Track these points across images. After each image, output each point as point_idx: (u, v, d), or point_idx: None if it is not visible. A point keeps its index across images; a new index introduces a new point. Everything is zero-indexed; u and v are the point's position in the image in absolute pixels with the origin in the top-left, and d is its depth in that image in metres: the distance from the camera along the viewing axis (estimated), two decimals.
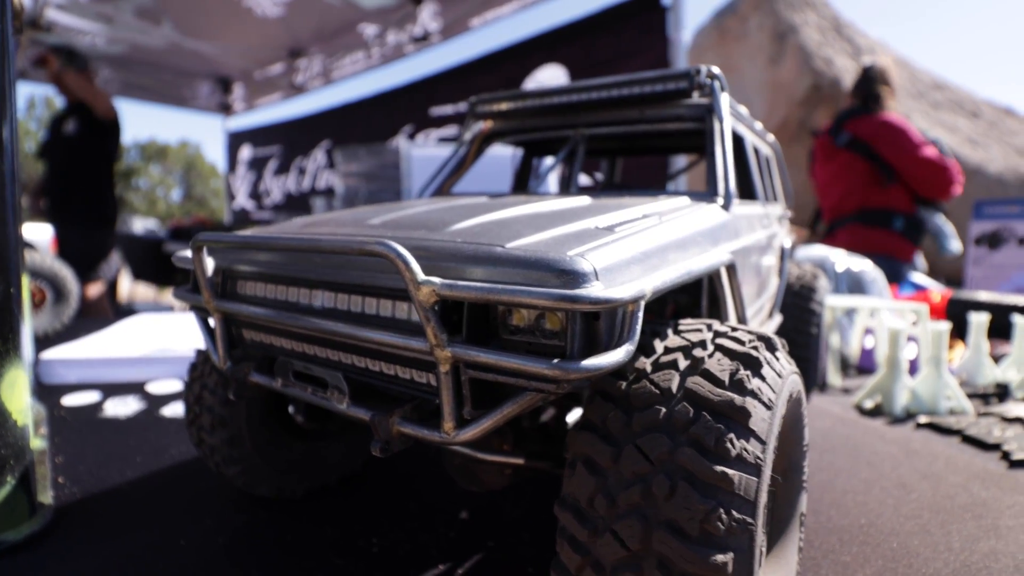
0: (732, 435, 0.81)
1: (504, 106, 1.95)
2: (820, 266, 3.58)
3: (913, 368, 2.95)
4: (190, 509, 1.58)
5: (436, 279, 0.84)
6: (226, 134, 9.22)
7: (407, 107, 7.76)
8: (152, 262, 7.93)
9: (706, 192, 1.51)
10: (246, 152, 8.74)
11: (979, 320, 2.97)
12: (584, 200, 1.43)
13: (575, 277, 0.81)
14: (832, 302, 2.91)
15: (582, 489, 0.86)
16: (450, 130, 7.38)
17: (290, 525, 1.50)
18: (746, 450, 0.81)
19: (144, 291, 9.27)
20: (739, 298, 1.31)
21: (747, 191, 1.93)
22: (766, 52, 8.13)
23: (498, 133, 2.06)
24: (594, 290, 0.79)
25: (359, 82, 8.24)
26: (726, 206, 1.45)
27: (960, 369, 3.01)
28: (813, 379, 2.40)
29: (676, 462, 0.80)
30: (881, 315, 3.06)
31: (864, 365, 3.23)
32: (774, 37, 7.94)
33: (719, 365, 0.89)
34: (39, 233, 3.27)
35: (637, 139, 2.13)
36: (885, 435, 2.18)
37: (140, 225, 8.58)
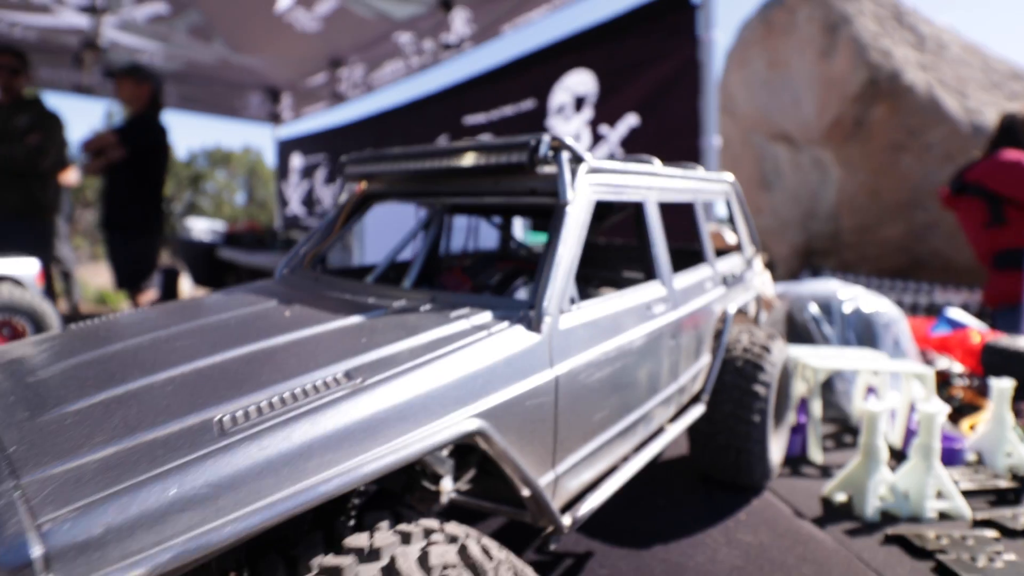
0: None
1: (371, 168, 1.66)
2: (825, 306, 3.04)
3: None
4: None
5: None
6: (276, 142, 9.38)
7: (441, 115, 7.56)
8: (207, 267, 8.18)
9: (526, 301, 1.16)
10: (297, 160, 8.86)
11: (1001, 388, 2.38)
12: (349, 323, 1.11)
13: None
14: (813, 363, 2.41)
15: None
16: (483, 139, 7.11)
17: None
18: None
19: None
20: (513, 465, 0.97)
21: (648, 267, 1.55)
22: (816, 45, 7.26)
23: (376, 194, 1.78)
24: None
25: (399, 90, 8.12)
26: (536, 325, 1.09)
27: (975, 445, 2.43)
28: (761, 471, 1.94)
29: None
30: (880, 379, 2.53)
31: None
32: (825, 29, 7.05)
33: None
34: (24, 268, 3.28)
35: (507, 207, 1.81)
36: (830, 558, 1.72)
37: (206, 227, 8.89)
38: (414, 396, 0.87)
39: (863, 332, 2.95)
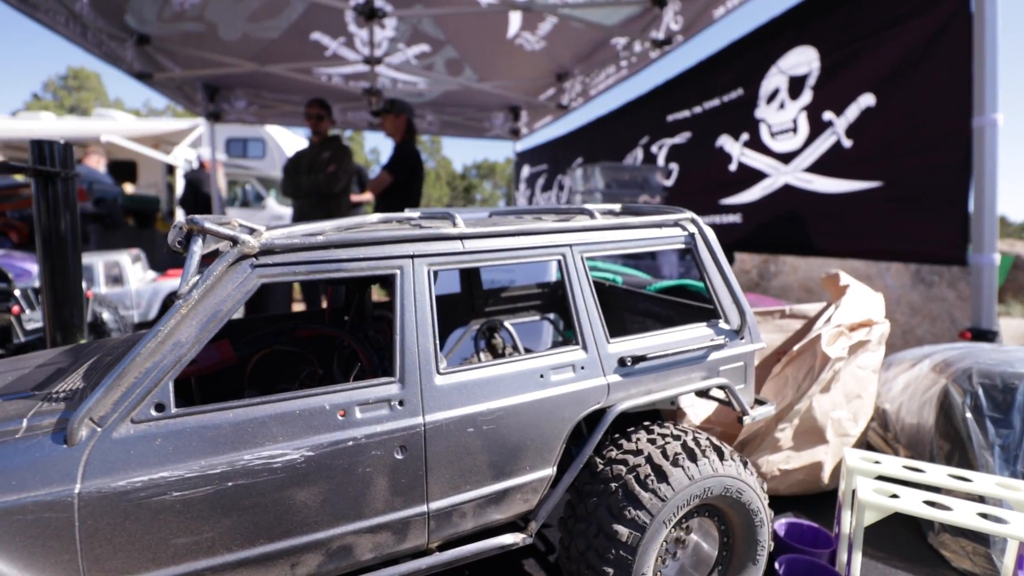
0: None
1: None
2: (1001, 391, 1.81)
3: None
4: None
5: None
6: (515, 155, 9.99)
7: (646, 117, 7.02)
8: None
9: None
10: (525, 170, 9.30)
11: None
12: None
13: None
14: (863, 493, 1.44)
15: None
16: (683, 137, 6.38)
17: None
18: None
19: None
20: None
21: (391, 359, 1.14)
22: None
23: None
24: None
25: (611, 96, 7.82)
26: (72, 436, 0.91)
27: None
28: None
29: None
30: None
31: None
32: None
33: None
34: None
35: None
36: None
37: None
38: None
39: None
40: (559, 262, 1.33)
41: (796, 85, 5.19)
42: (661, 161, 6.48)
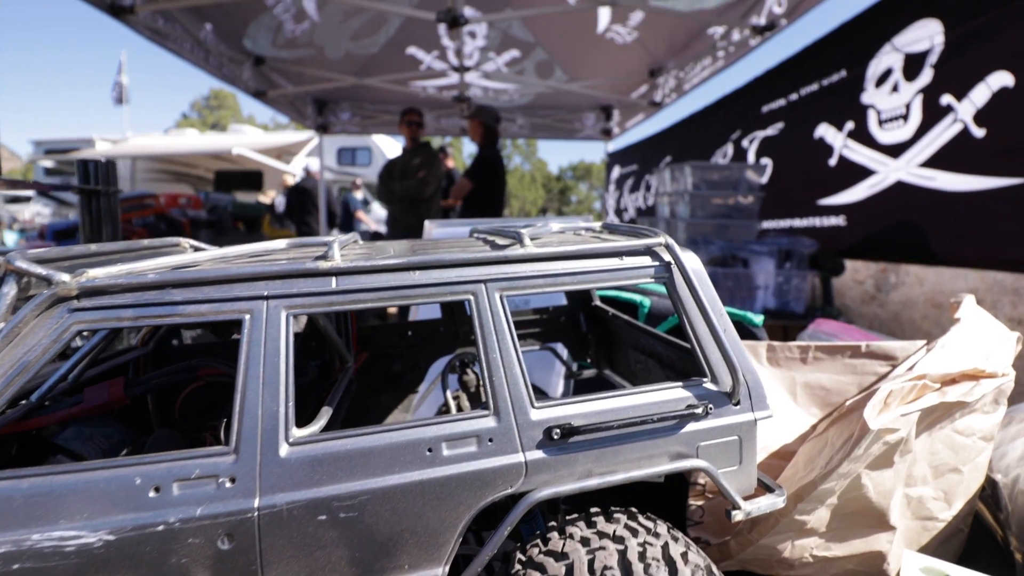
0: None
1: None
2: None
3: None
4: None
5: None
6: (606, 155, 9.60)
7: (741, 110, 6.40)
8: None
9: None
10: (615, 171, 8.88)
11: None
12: None
13: None
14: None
15: None
16: (775, 128, 5.72)
17: None
18: None
19: None
20: None
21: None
22: None
23: None
24: None
25: (703, 90, 7.20)
26: None
27: None
28: None
29: None
30: None
31: None
32: None
33: None
34: None
35: None
36: None
37: None
38: None
39: None
40: (468, 303, 1.09)
41: (913, 64, 4.41)
42: (751, 156, 5.84)
